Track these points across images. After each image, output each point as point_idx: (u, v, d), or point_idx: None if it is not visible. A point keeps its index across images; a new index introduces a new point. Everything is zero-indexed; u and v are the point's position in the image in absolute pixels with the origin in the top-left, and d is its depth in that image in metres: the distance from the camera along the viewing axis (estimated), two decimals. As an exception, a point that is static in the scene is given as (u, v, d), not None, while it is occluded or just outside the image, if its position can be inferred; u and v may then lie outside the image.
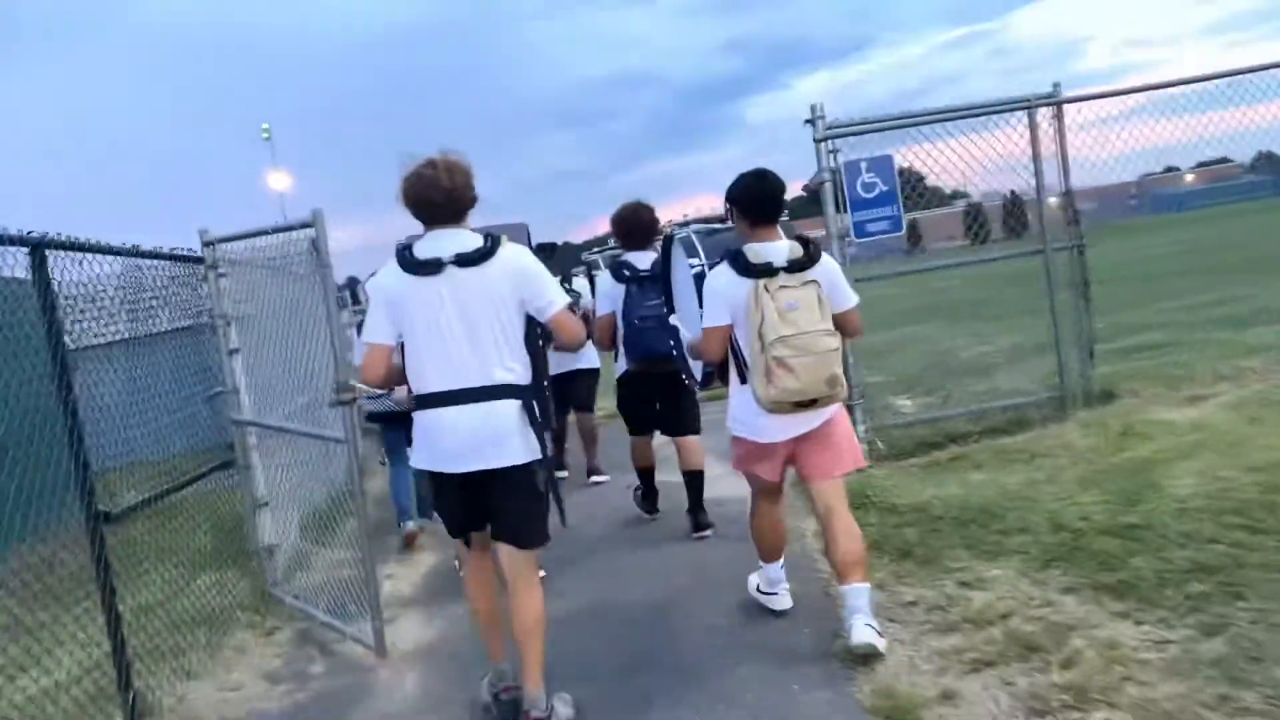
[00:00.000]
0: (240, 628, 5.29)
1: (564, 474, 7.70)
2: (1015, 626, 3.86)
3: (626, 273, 5.75)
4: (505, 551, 3.62)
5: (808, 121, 6.71)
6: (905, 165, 6.86)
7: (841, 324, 3.89)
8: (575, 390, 7.62)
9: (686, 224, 5.92)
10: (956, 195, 10.44)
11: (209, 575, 5.75)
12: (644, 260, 5.76)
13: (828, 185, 6.73)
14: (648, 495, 6.42)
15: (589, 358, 7.55)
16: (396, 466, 6.62)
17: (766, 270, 3.75)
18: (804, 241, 3.90)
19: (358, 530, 4.89)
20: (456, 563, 5.36)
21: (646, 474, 6.34)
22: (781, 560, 4.42)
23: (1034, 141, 6.94)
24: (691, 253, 4.72)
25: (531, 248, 4.13)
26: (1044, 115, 6.97)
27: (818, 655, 3.97)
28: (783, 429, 3.87)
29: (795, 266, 3.78)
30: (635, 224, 5.90)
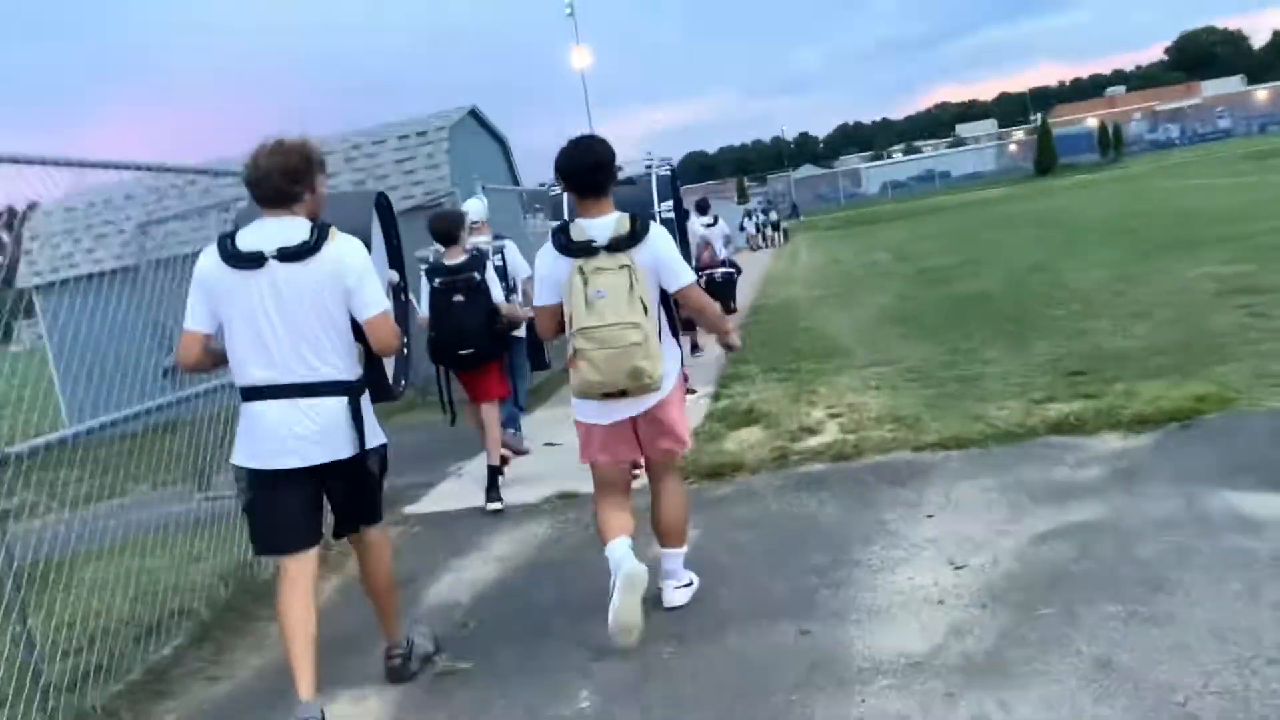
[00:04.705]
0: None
1: None
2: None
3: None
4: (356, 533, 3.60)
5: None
6: None
7: (683, 304, 3.80)
8: None
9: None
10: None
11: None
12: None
13: None
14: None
15: None
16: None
17: (586, 249, 3.62)
18: (633, 217, 3.69)
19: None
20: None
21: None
22: (625, 536, 3.78)
23: None
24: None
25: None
26: None
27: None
28: (603, 413, 3.73)
29: (616, 245, 3.61)
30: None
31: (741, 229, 37.60)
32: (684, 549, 3.95)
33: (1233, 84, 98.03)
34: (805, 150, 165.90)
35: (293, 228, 3.31)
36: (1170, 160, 49.62)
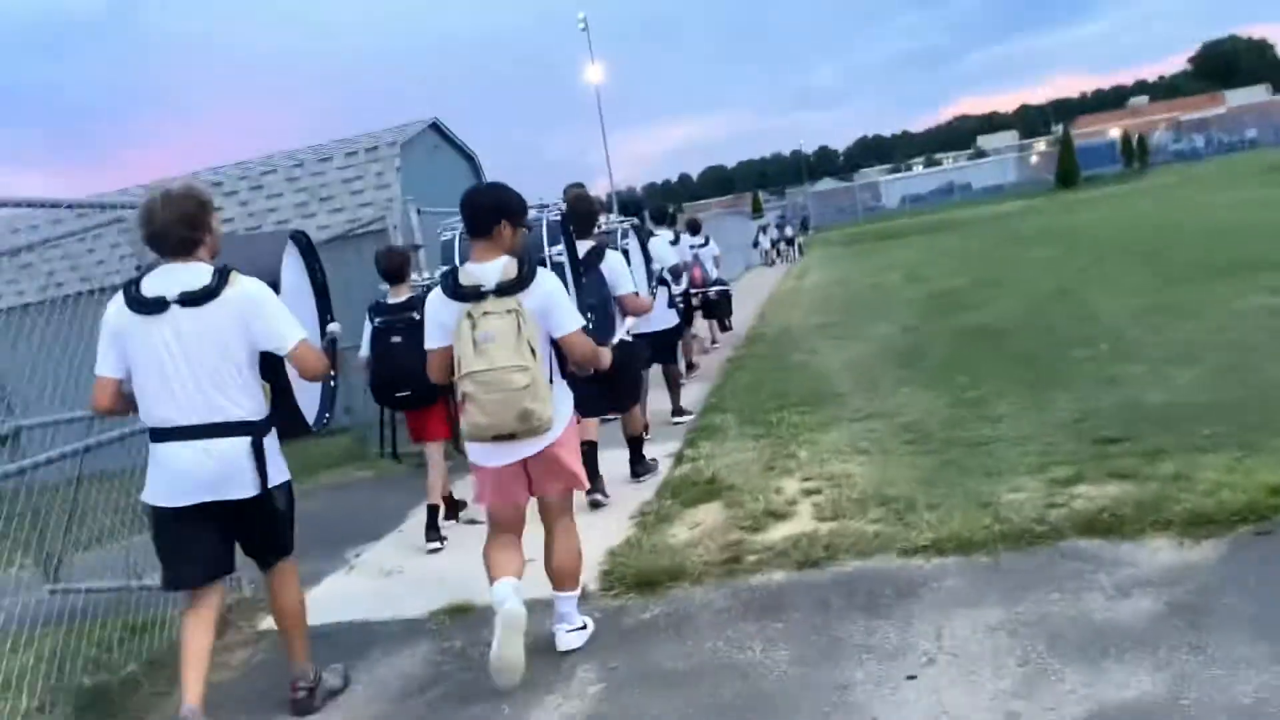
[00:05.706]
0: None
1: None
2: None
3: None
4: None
5: None
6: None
7: (565, 351, 3.82)
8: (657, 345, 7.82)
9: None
10: None
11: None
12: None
13: None
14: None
15: (661, 319, 7.77)
16: None
17: (474, 294, 3.67)
18: (521, 261, 3.74)
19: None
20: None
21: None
22: (511, 578, 3.74)
23: None
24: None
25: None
26: None
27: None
28: (494, 455, 3.77)
29: (503, 290, 3.66)
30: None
31: (755, 244, 36.55)
32: (577, 591, 4.05)
33: (1258, 93, 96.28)
34: (825, 163, 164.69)
35: (194, 272, 3.47)
36: (1197, 171, 47.95)
